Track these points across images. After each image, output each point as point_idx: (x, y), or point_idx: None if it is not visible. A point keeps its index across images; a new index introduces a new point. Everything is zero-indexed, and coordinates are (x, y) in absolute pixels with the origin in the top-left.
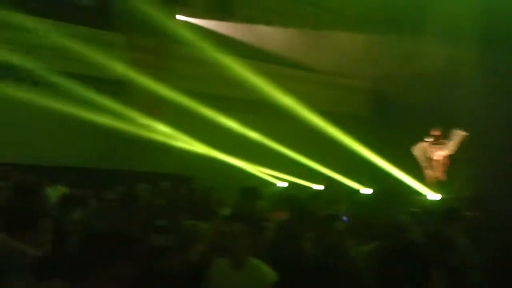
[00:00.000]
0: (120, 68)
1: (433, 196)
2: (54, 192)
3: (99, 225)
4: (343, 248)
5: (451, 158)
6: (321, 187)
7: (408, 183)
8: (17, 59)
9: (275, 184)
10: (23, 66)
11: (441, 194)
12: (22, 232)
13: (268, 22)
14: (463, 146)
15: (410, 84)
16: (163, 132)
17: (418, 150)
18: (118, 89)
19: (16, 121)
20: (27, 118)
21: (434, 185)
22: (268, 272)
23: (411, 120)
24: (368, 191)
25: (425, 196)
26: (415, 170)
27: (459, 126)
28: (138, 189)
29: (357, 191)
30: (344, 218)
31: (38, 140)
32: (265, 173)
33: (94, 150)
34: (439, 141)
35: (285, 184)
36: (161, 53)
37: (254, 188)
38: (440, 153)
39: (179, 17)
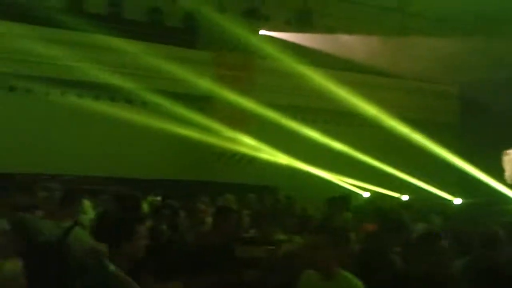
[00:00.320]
0: (206, 84)
1: None
2: (146, 203)
3: (189, 235)
4: (438, 263)
5: None
6: (409, 197)
7: (502, 191)
8: (112, 79)
9: (359, 194)
10: (118, 85)
11: None
12: (119, 242)
13: (349, 31)
14: None
15: (500, 89)
16: (248, 144)
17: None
18: (205, 104)
19: (110, 137)
20: (121, 134)
21: None
22: (358, 284)
23: (502, 127)
24: (459, 201)
25: None
26: None
27: None
28: (223, 199)
29: (448, 201)
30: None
31: (130, 154)
32: (349, 183)
33: (183, 162)
34: None
35: (370, 194)
36: (246, 68)
37: (340, 199)
38: None
39: (261, 32)
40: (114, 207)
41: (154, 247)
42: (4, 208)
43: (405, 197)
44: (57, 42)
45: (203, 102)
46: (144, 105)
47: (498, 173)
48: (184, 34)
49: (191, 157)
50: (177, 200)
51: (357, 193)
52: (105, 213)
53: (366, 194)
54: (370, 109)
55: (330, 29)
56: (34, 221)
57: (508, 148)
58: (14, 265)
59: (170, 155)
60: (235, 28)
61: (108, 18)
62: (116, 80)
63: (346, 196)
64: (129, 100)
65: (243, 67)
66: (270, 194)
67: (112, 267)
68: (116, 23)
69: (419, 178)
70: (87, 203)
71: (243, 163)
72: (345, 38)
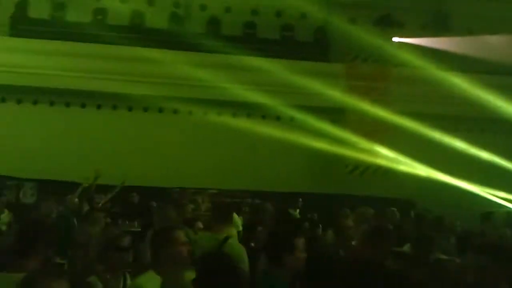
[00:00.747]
0: (340, 96)
1: None
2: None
3: (332, 249)
4: None
5: None
6: None
7: None
8: (249, 97)
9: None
10: (254, 102)
11: None
12: (281, 254)
13: (490, 31)
14: None
15: None
16: (383, 155)
17: None
18: (339, 116)
19: (247, 151)
20: (257, 148)
21: None
22: None
23: None
24: None
25: None
26: None
27: None
28: (361, 213)
29: None
30: None
31: (266, 168)
32: (499, 197)
33: (317, 175)
34: None
35: None
36: (380, 77)
37: (498, 214)
38: None
39: (395, 39)
40: (265, 220)
41: (312, 261)
42: (171, 220)
43: None
44: (199, 65)
45: (337, 114)
46: (279, 120)
47: None
48: (316, 48)
49: (325, 170)
50: (315, 213)
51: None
52: (257, 226)
53: None
54: None
55: (469, 31)
56: (190, 233)
57: None
58: (190, 276)
59: (305, 168)
60: (368, 38)
61: (243, 39)
62: (252, 97)
63: (505, 211)
64: (264, 115)
65: (377, 77)
66: (408, 208)
67: None
68: (250, 43)
69: None
70: (235, 216)
71: (378, 175)
72: (486, 39)
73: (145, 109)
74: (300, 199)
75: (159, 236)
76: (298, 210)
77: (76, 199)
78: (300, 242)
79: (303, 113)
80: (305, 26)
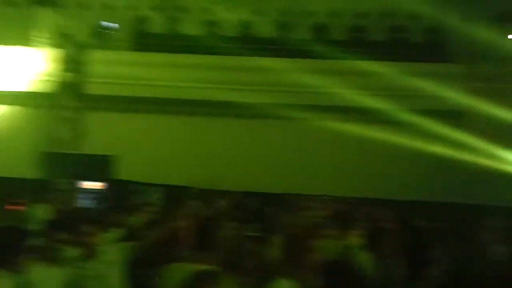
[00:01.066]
0: (459, 98)
1: None
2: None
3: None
4: None
5: None
6: None
7: None
8: (361, 101)
9: None
10: (367, 107)
11: None
12: (419, 266)
13: None
14: None
15: None
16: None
17: None
18: (459, 120)
19: (362, 158)
20: (372, 154)
21: None
22: None
23: None
24: None
25: None
26: None
27: None
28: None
29: None
30: None
31: (382, 174)
32: None
33: (438, 183)
34: None
35: None
36: (503, 77)
37: None
38: None
39: None
40: (388, 229)
41: (452, 275)
42: (291, 226)
43: None
44: (309, 71)
45: (457, 118)
46: (396, 125)
47: None
48: (429, 49)
49: (446, 177)
50: (440, 223)
51: None
52: (380, 234)
53: None
54: None
55: None
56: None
57: None
58: (316, 283)
59: (423, 175)
60: (487, 36)
61: (351, 42)
62: (365, 101)
63: None
64: (380, 120)
65: (500, 77)
66: None
67: None
68: (359, 46)
69: None
70: (356, 224)
71: (504, 183)
72: None
73: (260, 117)
74: (420, 208)
75: (296, 243)
76: (420, 219)
77: (199, 204)
78: (436, 254)
79: (420, 117)
80: (416, 26)
